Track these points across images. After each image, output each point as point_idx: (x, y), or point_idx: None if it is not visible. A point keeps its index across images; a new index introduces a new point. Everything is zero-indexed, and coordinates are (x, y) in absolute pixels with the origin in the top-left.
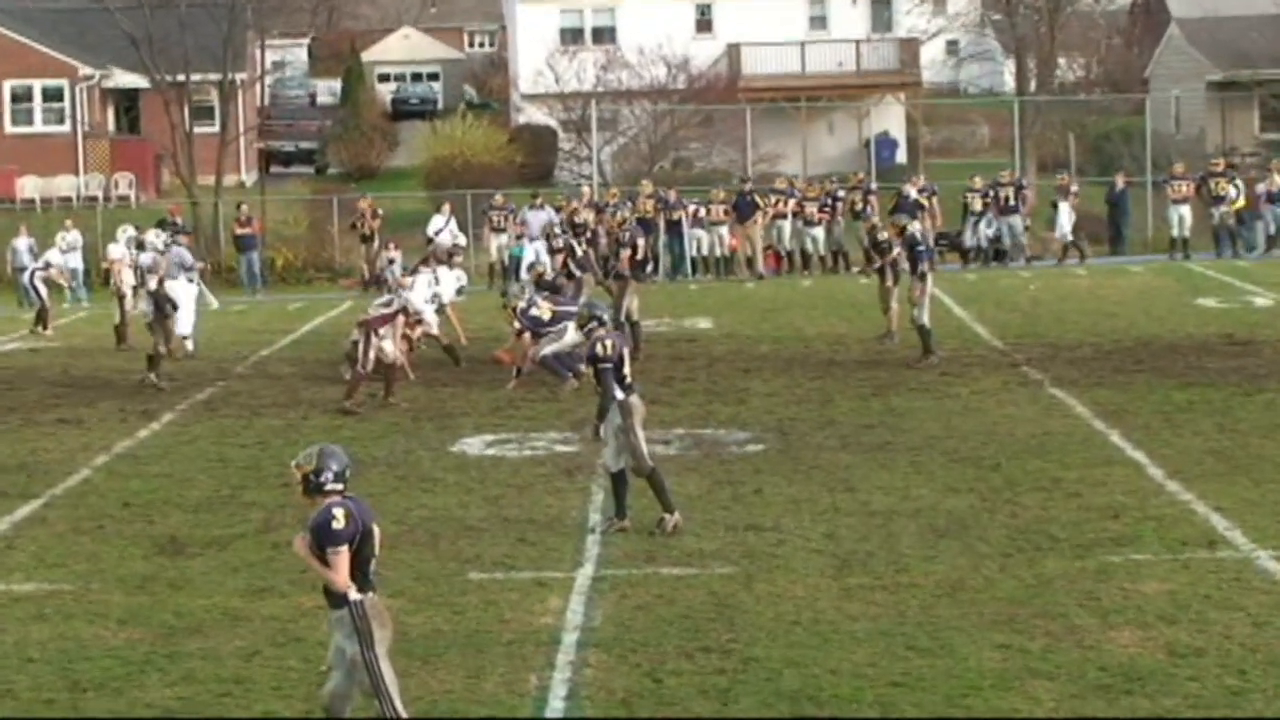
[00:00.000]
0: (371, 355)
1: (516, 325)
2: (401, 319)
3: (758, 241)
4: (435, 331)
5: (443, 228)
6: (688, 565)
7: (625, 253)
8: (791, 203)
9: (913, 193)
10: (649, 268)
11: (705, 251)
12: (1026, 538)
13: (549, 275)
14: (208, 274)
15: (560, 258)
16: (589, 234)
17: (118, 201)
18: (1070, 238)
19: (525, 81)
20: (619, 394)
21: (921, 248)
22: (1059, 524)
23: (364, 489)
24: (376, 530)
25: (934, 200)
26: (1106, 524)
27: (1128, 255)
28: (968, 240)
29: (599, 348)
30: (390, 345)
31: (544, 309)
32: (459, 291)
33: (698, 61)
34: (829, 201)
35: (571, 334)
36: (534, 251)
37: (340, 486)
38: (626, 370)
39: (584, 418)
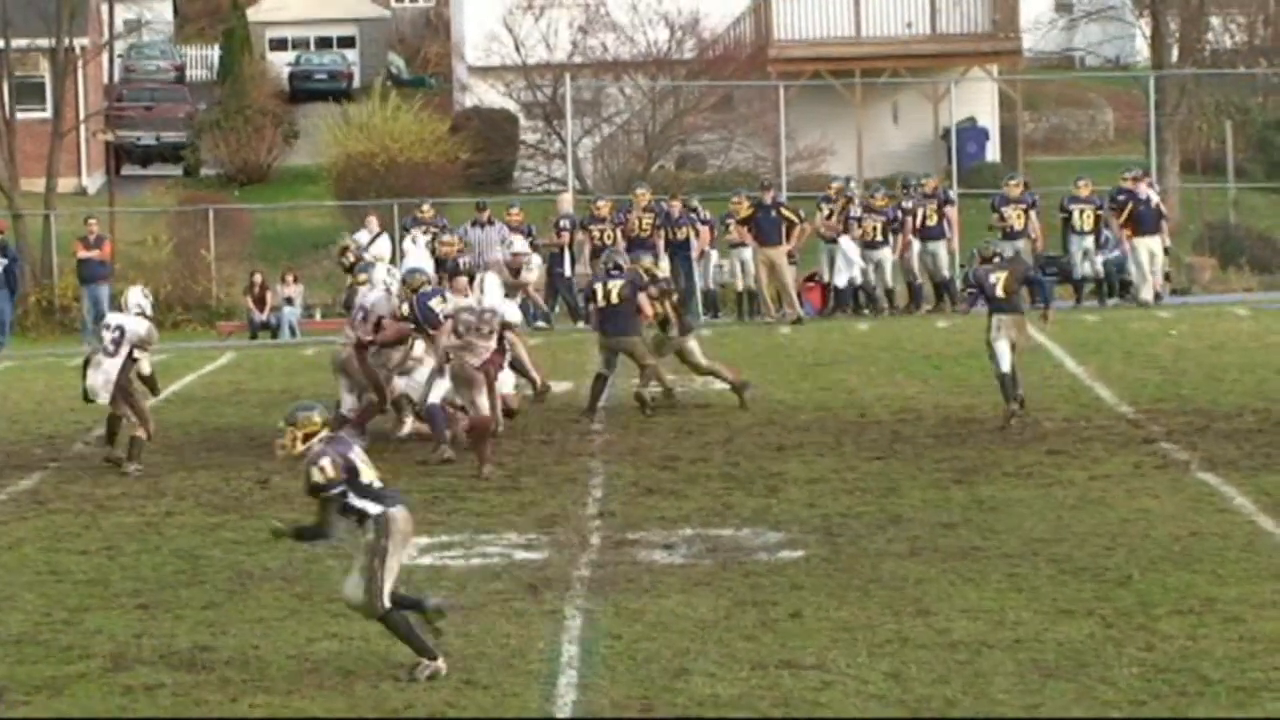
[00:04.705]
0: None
1: None
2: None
3: (786, 271)
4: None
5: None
6: (700, 717)
7: None
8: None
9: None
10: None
11: (721, 283)
12: (1167, 679)
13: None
14: None
15: (653, 305)
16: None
17: None
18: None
19: (474, 49)
20: None
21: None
22: (1212, 660)
23: (251, 612)
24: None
25: (1032, 214)
26: (1279, 660)
27: None
28: (1078, 269)
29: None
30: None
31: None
32: None
33: (711, 21)
34: (895, 215)
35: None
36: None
37: None
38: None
39: (554, 512)
